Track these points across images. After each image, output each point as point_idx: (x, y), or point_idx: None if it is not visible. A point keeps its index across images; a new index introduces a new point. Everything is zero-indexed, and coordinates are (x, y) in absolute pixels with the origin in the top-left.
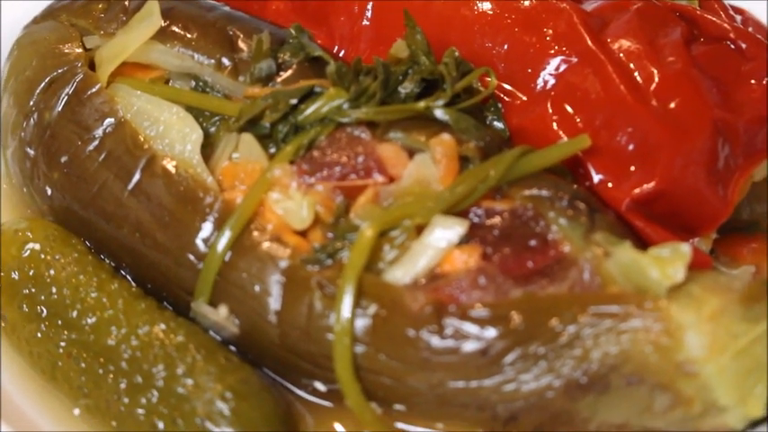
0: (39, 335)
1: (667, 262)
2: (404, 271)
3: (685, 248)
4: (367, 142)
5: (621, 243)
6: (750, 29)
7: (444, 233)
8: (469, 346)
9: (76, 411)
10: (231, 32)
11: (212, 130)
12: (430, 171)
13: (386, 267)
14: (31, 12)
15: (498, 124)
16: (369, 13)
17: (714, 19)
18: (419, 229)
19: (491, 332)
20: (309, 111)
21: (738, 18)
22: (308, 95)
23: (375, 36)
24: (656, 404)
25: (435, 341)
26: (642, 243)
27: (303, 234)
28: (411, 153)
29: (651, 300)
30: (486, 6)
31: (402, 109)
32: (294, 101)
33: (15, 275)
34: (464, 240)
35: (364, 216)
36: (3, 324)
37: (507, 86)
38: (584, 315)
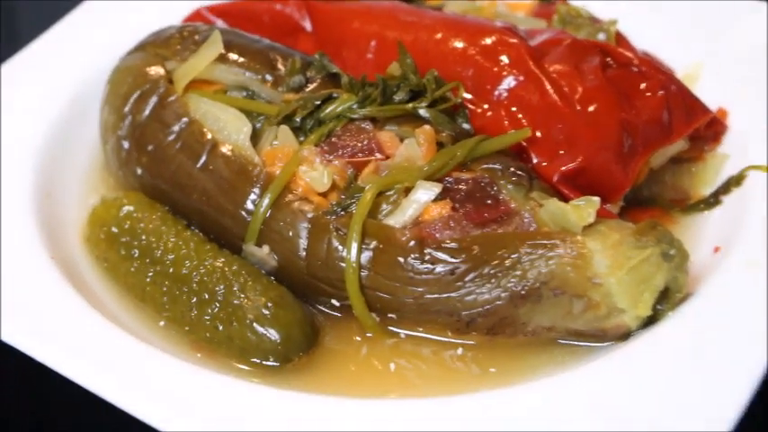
0: (132, 269)
1: (582, 209)
2: (395, 219)
3: (595, 199)
4: (370, 131)
5: (551, 198)
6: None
7: (425, 193)
8: (441, 269)
9: (161, 323)
10: (272, 57)
11: (258, 125)
12: (415, 151)
13: (383, 217)
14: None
15: (466, 125)
16: (373, 48)
17: (624, 51)
18: (407, 191)
19: (457, 258)
20: (329, 110)
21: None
22: (328, 99)
23: (376, 65)
24: (574, 309)
25: (418, 265)
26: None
27: (324, 195)
28: (402, 139)
29: (570, 235)
30: (458, 43)
31: (395, 108)
32: (318, 102)
33: (115, 230)
34: (439, 198)
35: (368, 182)
36: (106, 264)
37: (473, 98)
38: (523, 247)
